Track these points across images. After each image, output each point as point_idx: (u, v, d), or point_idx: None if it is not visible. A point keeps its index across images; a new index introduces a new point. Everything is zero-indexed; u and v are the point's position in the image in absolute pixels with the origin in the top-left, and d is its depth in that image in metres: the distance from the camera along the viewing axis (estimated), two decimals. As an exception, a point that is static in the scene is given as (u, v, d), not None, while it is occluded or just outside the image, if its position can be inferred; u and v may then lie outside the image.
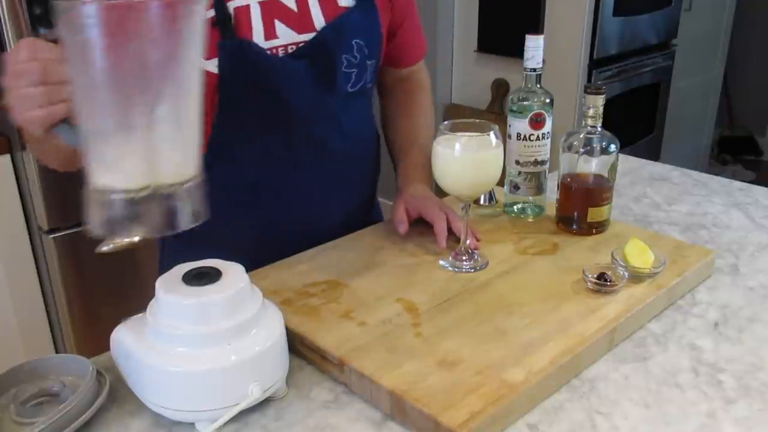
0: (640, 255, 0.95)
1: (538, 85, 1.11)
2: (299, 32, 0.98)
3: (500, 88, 2.91)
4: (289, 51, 0.98)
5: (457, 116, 2.92)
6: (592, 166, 1.07)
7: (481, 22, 2.91)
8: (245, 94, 0.96)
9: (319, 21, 0.99)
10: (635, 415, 0.74)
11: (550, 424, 0.73)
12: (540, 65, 1.10)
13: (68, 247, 2.00)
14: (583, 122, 1.05)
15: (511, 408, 0.72)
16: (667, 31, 3.05)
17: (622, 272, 0.93)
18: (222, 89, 0.95)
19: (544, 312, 0.87)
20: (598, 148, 1.05)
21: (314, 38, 0.99)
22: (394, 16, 1.11)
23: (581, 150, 1.05)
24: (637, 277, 0.94)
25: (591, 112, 1.03)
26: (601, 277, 0.92)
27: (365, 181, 1.19)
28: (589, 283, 0.92)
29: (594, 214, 1.07)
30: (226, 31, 0.93)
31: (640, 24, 2.86)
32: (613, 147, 1.05)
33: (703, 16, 3.32)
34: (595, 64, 2.67)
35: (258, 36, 0.95)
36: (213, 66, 0.93)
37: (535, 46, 1.08)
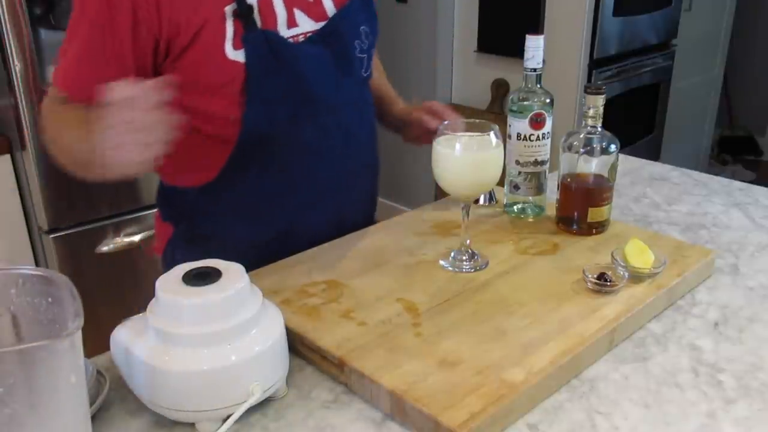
0: (640, 255, 0.95)
1: (538, 85, 1.11)
2: (316, 20, 1.01)
3: (500, 88, 2.91)
4: (307, 37, 1.01)
5: (457, 116, 2.91)
6: (592, 166, 1.07)
7: (481, 22, 2.91)
8: (273, 83, 0.98)
9: (330, 10, 1.03)
10: (635, 415, 0.74)
11: (550, 424, 0.73)
12: (540, 65, 1.10)
13: (68, 247, 2.00)
14: (583, 122, 1.05)
15: (511, 408, 0.72)
16: (667, 31, 3.05)
17: (622, 272, 0.93)
18: (250, 80, 0.96)
19: (544, 312, 0.87)
20: (598, 148, 1.05)
21: (327, 25, 1.02)
22: None
23: (581, 150, 1.05)
24: (637, 277, 0.94)
25: (591, 112, 1.03)
26: (601, 277, 0.92)
27: (375, 172, 1.21)
28: (589, 283, 0.92)
29: (594, 214, 1.07)
30: (249, 23, 0.94)
31: (640, 24, 2.85)
32: (613, 147, 1.05)
33: (703, 16, 3.32)
34: (595, 64, 2.67)
35: (282, 25, 0.98)
36: (241, 56, 0.94)
37: (535, 46, 1.08)
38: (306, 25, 1.00)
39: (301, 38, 1.00)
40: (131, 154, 0.78)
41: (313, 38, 1.01)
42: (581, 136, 1.05)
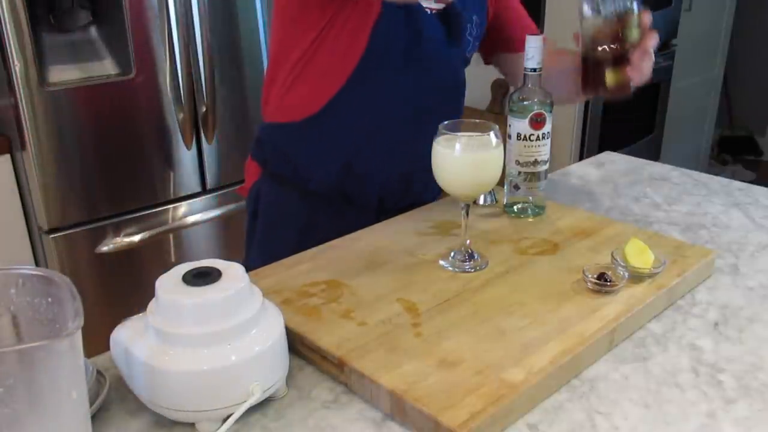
0: (640, 255, 0.95)
1: (539, 85, 1.11)
2: (437, 1, 1.17)
3: (500, 88, 2.91)
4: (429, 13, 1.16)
5: (457, 116, 2.91)
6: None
7: (481, 22, 2.90)
8: (397, 29, 1.11)
9: None
10: (635, 415, 0.74)
11: (550, 424, 0.73)
12: (540, 65, 1.10)
13: (68, 247, 2.00)
14: None
15: (511, 408, 0.72)
16: (667, 31, 3.05)
17: (622, 272, 0.93)
18: (382, 16, 1.09)
19: (544, 312, 0.87)
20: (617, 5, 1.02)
21: (448, 6, 1.17)
22: (497, 5, 1.30)
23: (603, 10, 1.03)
24: (637, 277, 0.94)
25: None
26: (601, 277, 0.92)
27: None
28: (589, 283, 0.92)
29: (612, 78, 1.05)
30: None
31: (640, 24, 2.85)
32: (634, 5, 1.02)
33: (703, 16, 3.32)
34: (595, 64, 2.67)
35: None
36: None
37: (535, 46, 1.08)
38: (430, 2, 1.15)
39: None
40: None
41: (437, 14, 1.16)
42: None
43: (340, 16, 1.10)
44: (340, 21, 1.10)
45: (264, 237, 1.27)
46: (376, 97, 1.15)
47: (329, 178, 1.20)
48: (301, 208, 1.22)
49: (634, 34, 1.05)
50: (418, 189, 1.24)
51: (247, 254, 1.31)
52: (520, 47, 1.23)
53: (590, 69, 1.08)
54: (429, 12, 1.15)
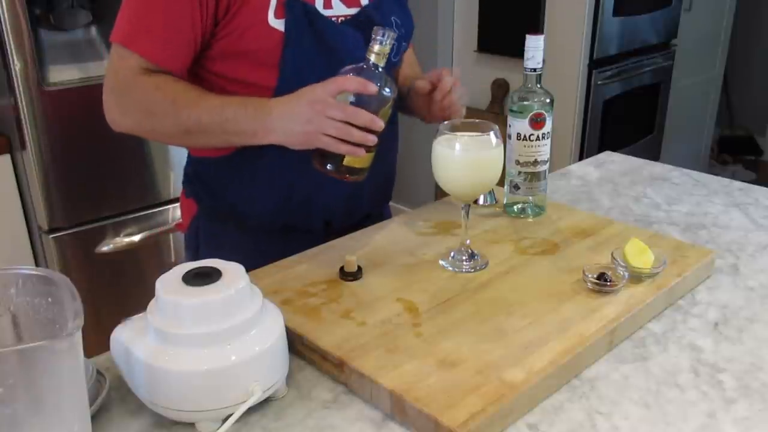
0: (640, 255, 0.95)
1: (538, 85, 1.11)
2: (348, 6, 1.08)
3: (500, 88, 2.91)
4: (340, 22, 1.07)
5: (457, 116, 2.91)
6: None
7: (481, 22, 2.90)
8: (308, 54, 1.03)
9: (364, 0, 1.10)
10: (635, 415, 0.74)
11: (550, 424, 0.73)
12: (540, 65, 1.10)
13: (68, 247, 2.00)
14: (366, 57, 0.95)
15: (511, 408, 0.72)
16: (667, 31, 3.05)
17: (622, 272, 0.93)
18: (287, 49, 1.01)
19: (544, 312, 0.87)
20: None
21: (360, 12, 1.08)
22: None
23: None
24: (637, 277, 0.94)
25: (376, 48, 0.94)
26: (601, 277, 0.92)
27: (393, 150, 1.24)
28: (589, 283, 0.92)
29: (350, 159, 0.96)
30: None
31: (640, 24, 2.85)
32: (387, 91, 0.95)
33: (703, 16, 3.32)
34: (595, 64, 2.67)
35: (319, 4, 1.04)
36: (281, 25, 1.00)
37: (535, 46, 1.08)
38: (340, 9, 1.06)
39: (333, 20, 1.06)
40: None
41: (349, 22, 1.07)
42: (361, 73, 0.95)
43: (234, 58, 1.01)
44: (241, 60, 1.01)
45: None
46: None
47: (268, 212, 1.13)
48: (245, 242, 1.14)
49: (382, 122, 0.96)
50: (367, 204, 1.19)
51: None
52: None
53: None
54: (337, 21, 1.06)
